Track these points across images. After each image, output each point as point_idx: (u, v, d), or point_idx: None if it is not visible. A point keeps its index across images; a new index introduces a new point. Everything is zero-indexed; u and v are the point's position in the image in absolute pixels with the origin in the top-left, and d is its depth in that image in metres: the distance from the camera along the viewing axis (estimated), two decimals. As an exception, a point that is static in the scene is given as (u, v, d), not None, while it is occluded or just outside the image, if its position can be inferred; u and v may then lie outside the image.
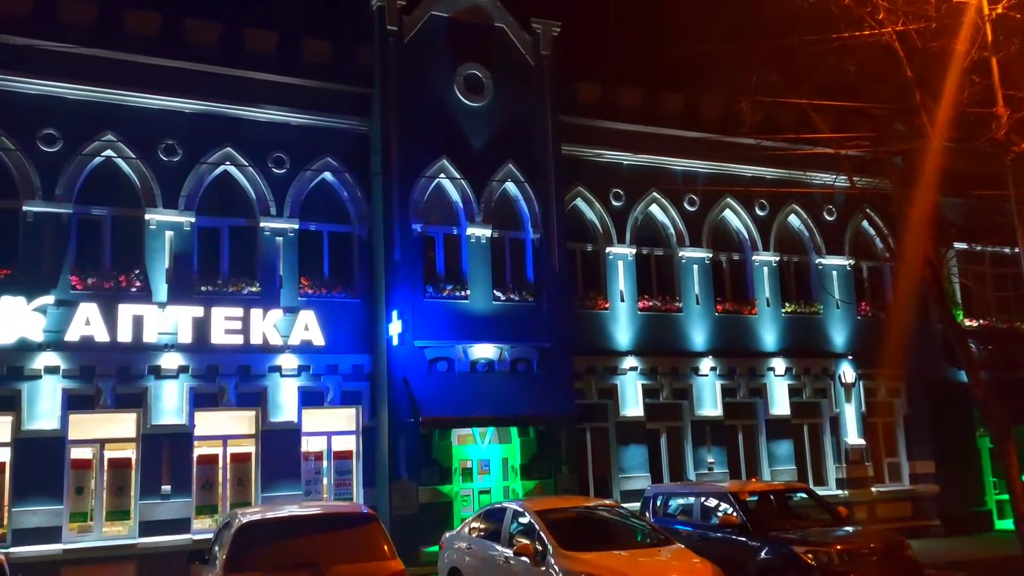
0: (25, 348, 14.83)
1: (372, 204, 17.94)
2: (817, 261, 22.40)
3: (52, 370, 15.07)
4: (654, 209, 20.94)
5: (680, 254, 20.85)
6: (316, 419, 17.11)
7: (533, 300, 18.56)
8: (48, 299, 15.05)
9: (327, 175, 17.90)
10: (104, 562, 14.87)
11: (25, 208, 15.38)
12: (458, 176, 18.14)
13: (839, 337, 22.17)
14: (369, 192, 18.00)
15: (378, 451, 17.11)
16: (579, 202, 20.14)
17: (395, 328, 17.01)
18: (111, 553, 14.98)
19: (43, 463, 14.83)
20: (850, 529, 13.26)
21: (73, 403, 15.20)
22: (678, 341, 20.39)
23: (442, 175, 18.13)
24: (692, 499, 14.03)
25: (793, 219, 22.45)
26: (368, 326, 17.57)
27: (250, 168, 17.07)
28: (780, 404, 21.15)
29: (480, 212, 18.30)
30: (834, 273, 22.49)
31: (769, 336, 21.40)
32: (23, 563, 13.90)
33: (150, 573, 15.00)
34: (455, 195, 18.36)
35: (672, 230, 20.98)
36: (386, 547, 9.42)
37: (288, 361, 16.73)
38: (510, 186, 18.80)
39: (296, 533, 9.60)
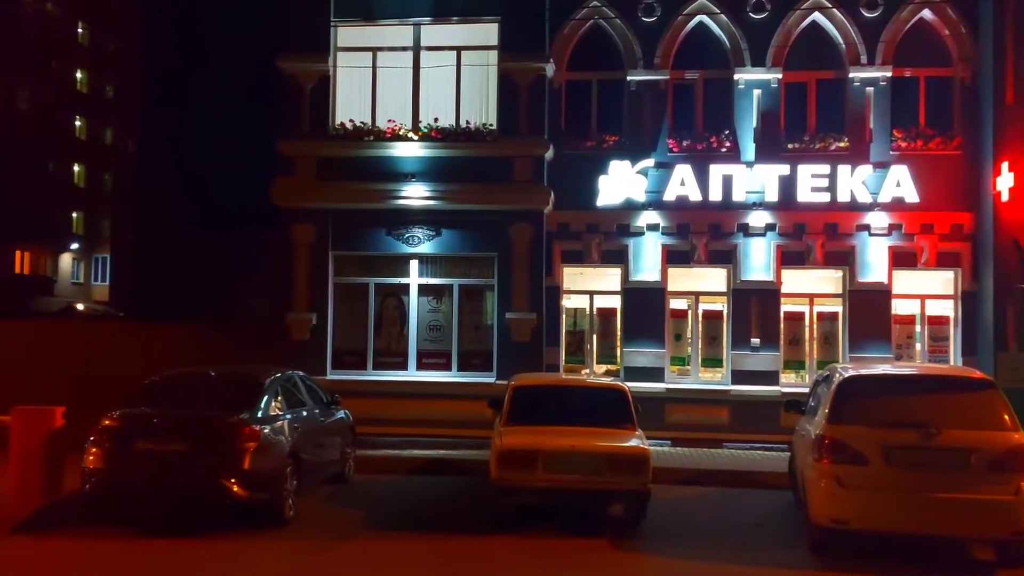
0: (630, 207, 16.44)
1: (980, 40, 15.61)
2: None
3: (653, 227, 16.51)
4: None
5: None
6: (907, 281, 16.07)
7: None
8: (649, 162, 16.38)
9: (926, 13, 15.99)
10: (700, 404, 16.19)
11: (629, 78, 16.70)
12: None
13: None
14: (976, 26, 15.66)
15: (981, 318, 15.48)
16: None
17: (1005, 182, 14.85)
18: (706, 396, 16.23)
19: (647, 311, 16.50)
20: None
21: (670, 258, 16.53)
22: None
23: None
24: None
25: None
26: (970, 181, 15.69)
27: (839, 14, 16.09)
28: None
29: None
30: None
31: None
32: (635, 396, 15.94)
33: (741, 417, 15.99)
34: (1094, 16, 14.96)
35: None
36: (1007, 417, 8.57)
37: (877, 219, 15.86)
38: None
39: (901, 392, 9.24)
